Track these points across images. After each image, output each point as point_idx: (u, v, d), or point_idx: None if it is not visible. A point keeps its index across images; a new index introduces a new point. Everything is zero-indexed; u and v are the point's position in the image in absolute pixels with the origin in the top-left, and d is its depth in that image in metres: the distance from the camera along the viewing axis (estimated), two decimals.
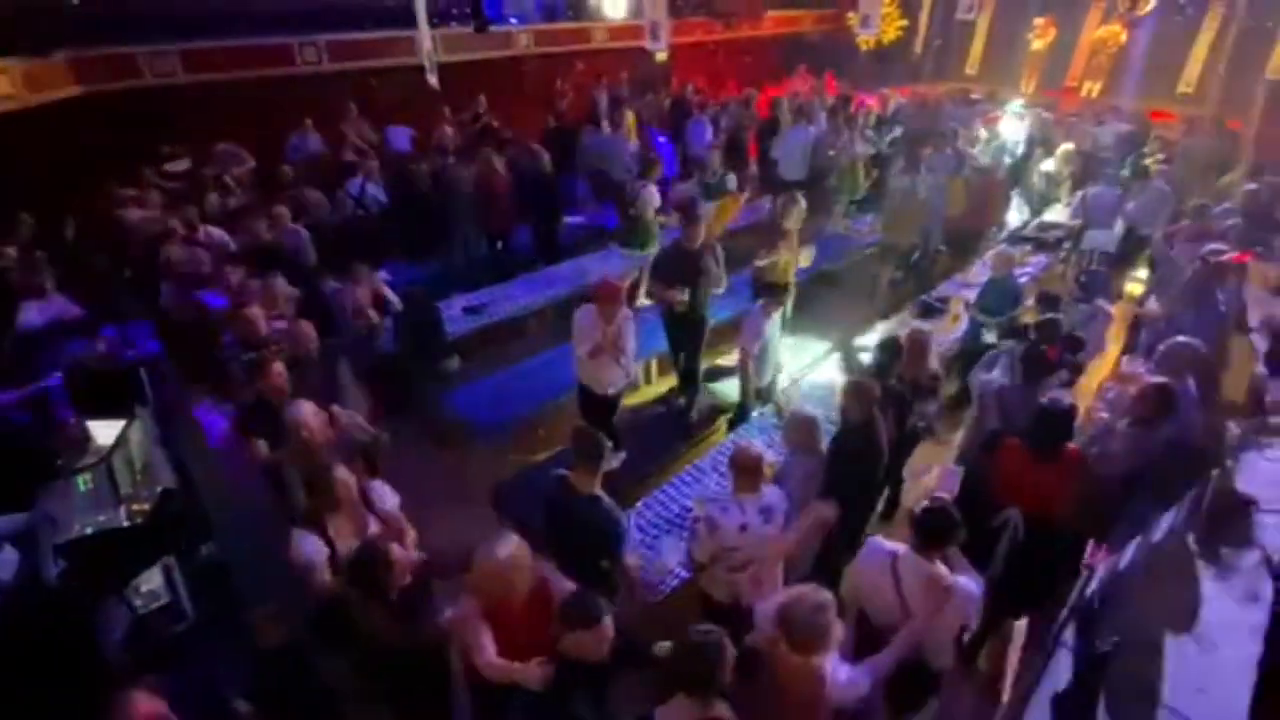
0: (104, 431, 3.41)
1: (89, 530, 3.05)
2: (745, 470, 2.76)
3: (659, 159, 7.22)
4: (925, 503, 2.51)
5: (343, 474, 2.74)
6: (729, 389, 5.34)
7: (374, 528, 2.82)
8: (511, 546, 2.26)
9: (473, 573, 2.25)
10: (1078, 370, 4.21)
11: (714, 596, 2.95)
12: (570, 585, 2.39)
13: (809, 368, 5.26)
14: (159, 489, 3.31)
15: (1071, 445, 3.07)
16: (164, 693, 1.96)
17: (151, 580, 2.98)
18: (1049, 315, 4.18)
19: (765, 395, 4.77)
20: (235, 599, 3.05)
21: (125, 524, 3.12)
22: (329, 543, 2.67)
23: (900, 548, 2.51)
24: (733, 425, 4.80)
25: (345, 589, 2.49)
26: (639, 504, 3.89)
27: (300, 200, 6.34)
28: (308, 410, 3.18)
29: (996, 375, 3.84)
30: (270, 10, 9.19)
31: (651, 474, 4.43)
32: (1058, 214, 7.75)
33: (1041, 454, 2.96)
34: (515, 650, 2.20)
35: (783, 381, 4.98)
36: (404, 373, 5.20)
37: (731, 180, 7.01)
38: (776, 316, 4.54)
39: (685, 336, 4.98)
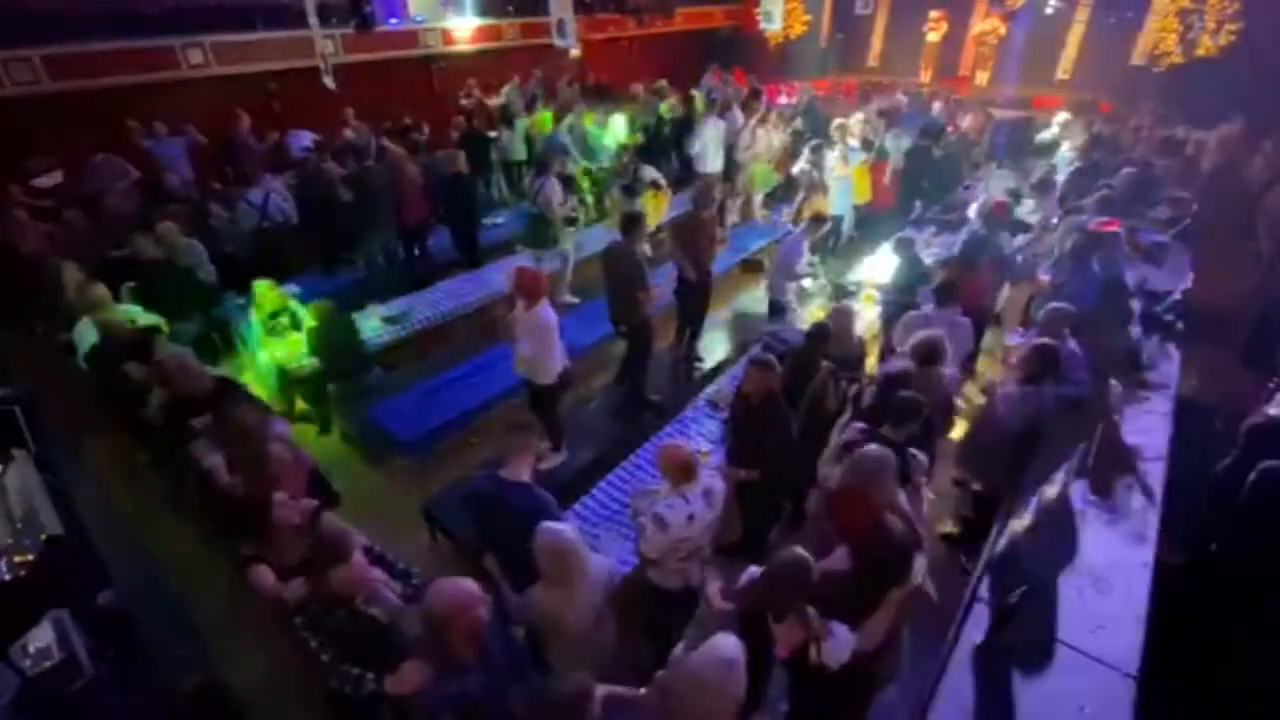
0: None
1: None
2: (674, 468, 2.75)
3: (557, 151, 7.14)
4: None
5: None
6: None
7: None
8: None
9: None
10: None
11: (664, 587, 2.93)
12: None
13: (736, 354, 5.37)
14: (43, 537, 3.01)
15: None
16: None
17: (41, 637, 2.71)
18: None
19: (785, 310, 5.47)
20: (140, 649, 2.81)
21: (5, 578, 2.82)
22: None
23: (927, 309, 4.17)
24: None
25: None
26: (578, 504, 3.87)
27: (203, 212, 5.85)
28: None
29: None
30: (142, 12, 8.45)
31: (591, 471, 4.38)
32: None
33: (969, 267, 4.80)
34: None
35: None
36: (322, 390, 4.96)
37: (648, 172, 6.99)
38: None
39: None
